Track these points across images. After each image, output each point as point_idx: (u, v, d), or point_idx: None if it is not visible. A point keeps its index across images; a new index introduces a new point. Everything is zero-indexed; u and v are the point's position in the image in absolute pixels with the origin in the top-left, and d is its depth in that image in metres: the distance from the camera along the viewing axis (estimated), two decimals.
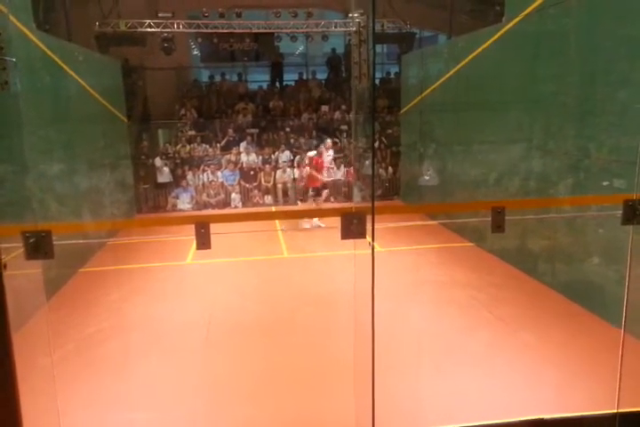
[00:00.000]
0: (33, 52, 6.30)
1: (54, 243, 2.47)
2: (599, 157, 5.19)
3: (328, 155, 10.08)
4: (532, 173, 6.40)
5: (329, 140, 10.73)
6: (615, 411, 2.83)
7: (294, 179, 11.91)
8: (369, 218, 2.75)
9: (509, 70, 6.92)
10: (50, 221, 5.75)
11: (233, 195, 11.70)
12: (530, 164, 6.47)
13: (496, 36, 7.22)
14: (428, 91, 9.65)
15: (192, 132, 12.70)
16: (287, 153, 12.30)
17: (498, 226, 2.94)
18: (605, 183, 4.94)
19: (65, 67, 7.26)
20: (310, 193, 9.30)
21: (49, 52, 6.74)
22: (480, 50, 7.69)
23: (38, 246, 2.48)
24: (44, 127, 6.36)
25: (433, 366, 4.27)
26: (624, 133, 4.80)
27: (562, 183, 5.78)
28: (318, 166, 9.40)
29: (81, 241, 6.27)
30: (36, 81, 6.35)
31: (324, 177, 9.51)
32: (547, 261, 6.15)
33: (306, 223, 8.95)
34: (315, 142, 12.62)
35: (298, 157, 12.08)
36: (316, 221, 8.91)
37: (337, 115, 13.21)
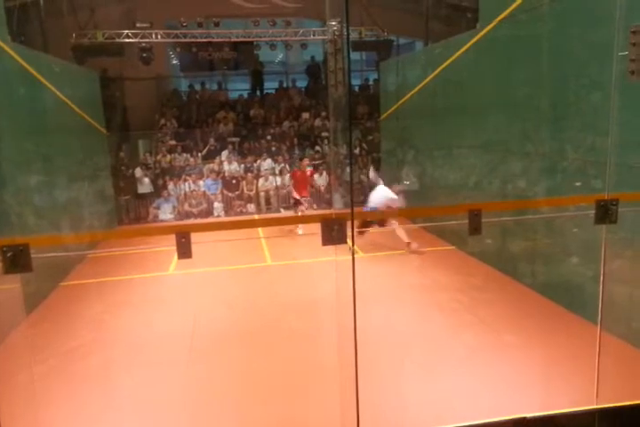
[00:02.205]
0: (8, 64, 6.24)
1: (33, 256, 2.45)
2: (575, 159, 5.30)
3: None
4: (510, 176, 6.51)
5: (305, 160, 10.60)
6: (595, 407, 2.89)
7: (277, 187, 11.92)
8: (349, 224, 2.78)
9: (485, 75, 7.05)
10: (28, 234, 5.67)
11: (215, 204, 11.67)
12: (507, 166, 6.59)
13: (471, 43, 7.36)
14: (407, 97, 9.77)
15: (172, 142, 12.65)
16: (269, 161, 12.32)
17: (475, 228, 2.99)
18: (578, 184, 5.05)
19: (41, 78, 7.20)
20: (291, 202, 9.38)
21: (24, 64, 6.68)
22: (456, 56, 7.83)
23: (16, 260, 2.46)
24: (21, 140, 6.30)
25: (417, 369, 4.30)
26: (597, 134, 4.92)
27: (539, 185, 5.89)
28: (298, 180, 9.50)
29: (60, 254, 6.18)
30: (12, 93, 6.29)
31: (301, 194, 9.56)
32: (526, 262, 6.24)
33: (300, 229, 8.95)
34: (297, 151, 12.67)
35: (279, 165, 12.11)
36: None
37: (318, 122, 13.28)
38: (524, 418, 2.86)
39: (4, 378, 2.09)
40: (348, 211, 3.00)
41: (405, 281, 6.55)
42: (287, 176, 11.62)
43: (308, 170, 10.25)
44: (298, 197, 9.62)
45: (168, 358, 4.75)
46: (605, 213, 3.01)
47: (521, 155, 6.28)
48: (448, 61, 8.07)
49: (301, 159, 10.47)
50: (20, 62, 6.54)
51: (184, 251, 2.86)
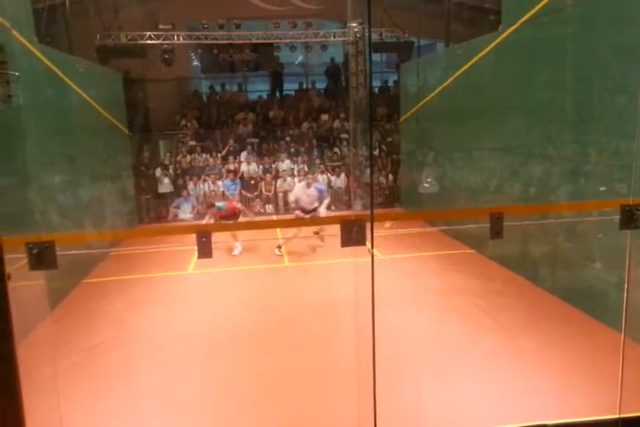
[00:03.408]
0: (35, 65, 6.38)
1: (57, 253, 2.50)
2: (598, 162, 5.22)
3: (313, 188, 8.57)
4: (532, 179, 6.43)
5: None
6: (617, 416, 2.83)
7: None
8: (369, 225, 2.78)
9: (507, 77, 6.98)
10: (53, 231, 5.79)
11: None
12: (529, 170, 6.51)
13: (493, 44, 7.29)
14: (427, 99, 9.72)
15: (193, 143, 12.77)
16: (287, 162, 12.36)
17: (496, 232, 2.97)
18: (602, 189, 4.97)
19: (66, 79, 7.34)
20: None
21: (51, 65, 6.82)
22: (478, 57, 7.77)
23: (41, 257, 2.52)
24: (47, 139, 6.42)
25: (435, 373, 4.27)
26: (622, 138, 4.84)
27: (561, 188, 5.81)
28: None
29: (84, 252, 6.30)
30: (39, 94, 6.42)
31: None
32: (547, 267, 6.16)
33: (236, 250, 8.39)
34: (315, 152, 12.66)
35: (298, 166, 12.14)
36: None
37: (337, 123, 13.29)
38: (545, 425, 2.82)
39: (28, 372, 2.13)
40: (368, 212, 3.00)
41: (424, 284, 6.51)
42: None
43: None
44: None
45: (187, 356, 4.80)
46: (630, 218, 2.95)
47: (543, 158, 6.20)
48: (470, 63, 8.01)
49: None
50: (46, 63, 6.68)
51: (205, 250, 2.89)
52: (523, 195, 6.63)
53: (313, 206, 8.32)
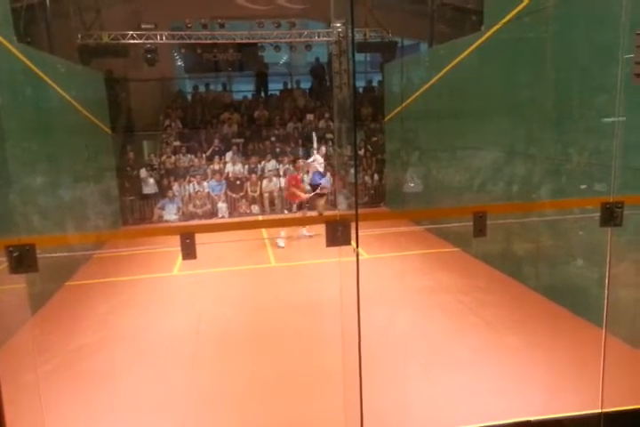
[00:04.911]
0: (14, 64, 6.28)
1: (38, 256, 2.46)
2: (579, 161, 5.29)
3: (316, 163, 10.13)
4: (515, 178, 6.50)
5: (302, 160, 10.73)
6: (600, 411, 2.88)
7: (280, 188, 11.92)
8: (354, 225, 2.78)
9: (489, 77, 7.05)
10: (33, 234, 5.70)
11: (219, 205, 11.68)
12: (512, 168, 6.58)
13: (475, 44, 7.36)
14: (411, 98, 9.77)
15: (177, 143, 12.68)
16: (273, 162, 12.34)
17: (479, 230, 2.99)
18: (583, 187, 5.04)
19: (47, 79, 7.24)
20: (294, 209, 9.37)
21: (30, 65, 6.71)
22: (460, 58, 7.83)
23: (22, 260, 2.48)
24: (27, 140, 6.33)
25: (421, 371, 4.30)
26: (602, 137, 4.91)
27: (543, 187, 5.88)
28: (297, 183, 9.47)
29: (66, 254, 6.21)
30: (18, 93, 6.32)
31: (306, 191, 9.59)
32: (530, 265, 6.23)
33: (307, 231, 9.01)
34: (300, 151, 12.67)
35: (283, 166, 12.12)
36: (304, 231, 8.99)
37: (322, 123, 13.30)
38: (529, 421, 2.86)
39: (9, 377, 2.10)
40: (353, 212, 3.00)
41: (409, 283, 6.55)
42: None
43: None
44: (298, 200, 9.53)
45: (172, 359, 4.76)
46: (610, 215, 3.01)
47: (525, 157, 6.27)
48: (453, 63, 8.07)
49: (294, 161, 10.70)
50: (25, 62, 6.57)
51: (189, 252, 2.87)
52: (505, 193, 6.70)
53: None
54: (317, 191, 9.47)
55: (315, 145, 10.67)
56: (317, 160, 9.96)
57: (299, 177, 9.67)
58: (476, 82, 7.44)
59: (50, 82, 7.35)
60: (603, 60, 4.80)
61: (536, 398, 3.75)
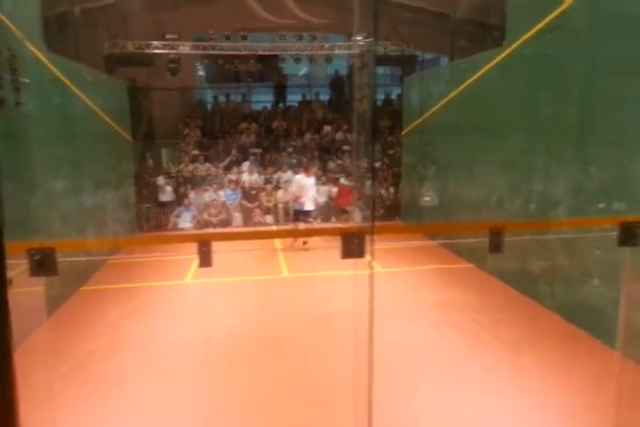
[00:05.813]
0: (43, 72, 6.44)
1: (57, 260, 2.51)
2: (599, 179, 5.24)
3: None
4: (533, 195, 6.45)
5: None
6: None
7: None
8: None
9: (510, 93, 7.03)
10: (53, 238, 5.79)
11: (235, 214, 11.75)
12: (530, 185, 6.53)
13: (497, 59, 7.36)
14: (430, 112, 9.78)
15: (195, 152, 12.82)
16: (289, 173, 12.39)
17: (496, 246, 2.98)
18: (601, 205, 4.98)
19: (73, 87, 7.41)
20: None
21: (58, 73, 6.88)
22: (481, 72, 7.83)
23: (42, 263, 2.53)
24: (52, 146, 6.46)
25: (432, 387, 4.24)
26: (623, 156, 4.86)
27: (561, 205, 5.82)
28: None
29: (83, 259, 6.29)
30: (46, 101, 6.47)
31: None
32: (546, 283, 6.14)
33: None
34: (317, 163, 12.73)
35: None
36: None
37: (339, 135, 13.36)
38: None
39: (24, 377, 2.13)
40: (368, 224, 3.01)
41: (422, 298, 6.50)
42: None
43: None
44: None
45: (183, 366, 4.77)
46: (629, 234, 2.97)
47: (544, 173, 6.22)
48: (473, 78, 8.07)
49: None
50: (53, 71, 6.74)
51: (205, 260, 2.91)
52: (523, 210, 6.64)
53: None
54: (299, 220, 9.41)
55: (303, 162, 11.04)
56: (299, 182, 9.57)
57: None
58: (496, 97, 7.42)
59: (76, 90, 7.51)
60: (627, 76, 4.77)
61: (549, 419, 3.68)
